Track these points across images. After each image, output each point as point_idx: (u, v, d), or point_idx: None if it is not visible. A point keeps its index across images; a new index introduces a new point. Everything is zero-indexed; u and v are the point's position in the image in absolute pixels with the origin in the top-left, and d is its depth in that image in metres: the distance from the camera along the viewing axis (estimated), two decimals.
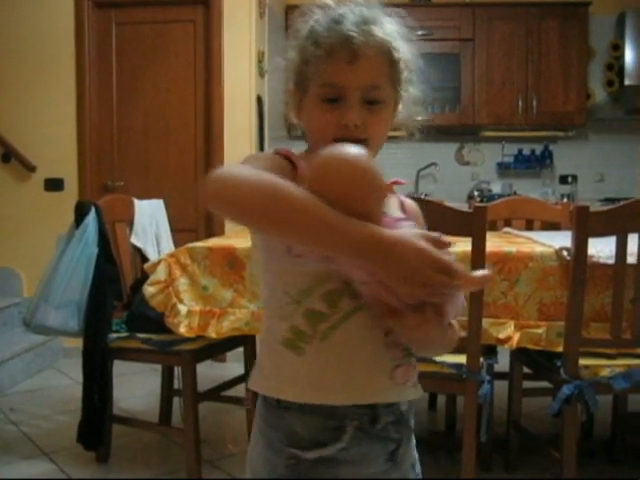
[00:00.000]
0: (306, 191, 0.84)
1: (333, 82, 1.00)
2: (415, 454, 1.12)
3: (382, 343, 0.98)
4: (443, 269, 0.83)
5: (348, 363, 0.97)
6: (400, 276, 0.83)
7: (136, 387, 3.57)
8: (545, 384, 2.34)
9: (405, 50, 1.04)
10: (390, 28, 1.02)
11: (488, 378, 2.15)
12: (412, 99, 1.10)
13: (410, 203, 1.15)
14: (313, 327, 0.96)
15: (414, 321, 0.88)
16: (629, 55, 5.32)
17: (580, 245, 1.98)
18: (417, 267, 0.82)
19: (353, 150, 0.87)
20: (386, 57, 1.01)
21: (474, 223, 2.01)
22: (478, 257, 2.02)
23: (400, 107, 1.09)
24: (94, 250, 2.61)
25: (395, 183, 1.09)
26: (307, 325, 0.97)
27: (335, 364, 0.97)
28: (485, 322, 2.10)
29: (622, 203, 2.02)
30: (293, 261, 0.94)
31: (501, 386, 2.62)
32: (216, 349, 2.67)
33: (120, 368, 2.83)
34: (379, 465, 1.02)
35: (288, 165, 1.01)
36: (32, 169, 4.38)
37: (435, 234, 0.88)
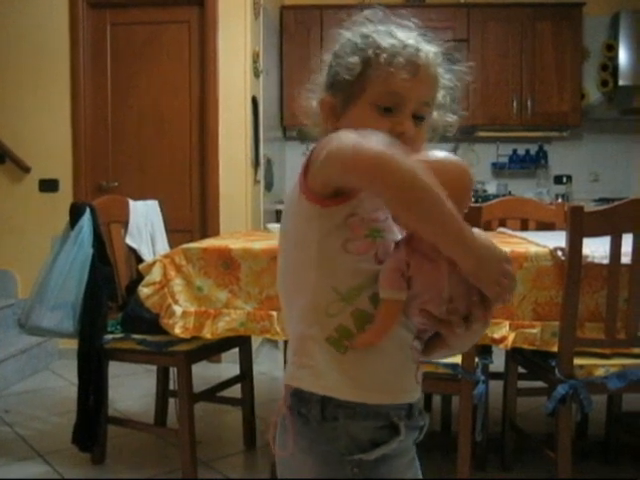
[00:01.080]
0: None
1: (395, 91, 1.03)
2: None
3: (410, 346, 1.02)
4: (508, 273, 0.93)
5: (384, 364, 0.99)
6: (487, 278, 0.92)
7: (131, 388, 3.57)
8: (540, 384, 2.34)
9: (445, 77, 1.11)
10: (433, 48, 1.09)
11: (483, 378, 2.15)
12: (438, 122, 1.15)
13: None
14: (360, 327, 0.97)
15: (462, 329, 0.95)
16: (623, 55, 5.35)
17: (575, 245, 1.99)
18: (499, 270, 0.92)
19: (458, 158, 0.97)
20: (435, 75, 1.08)
21: (469, 223, 2.01)
22: None
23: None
24: (89, 251, 2.60)
25: None
26: (354, 324, 0.97)
27: (373, 364, 0.98)
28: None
29: (616, 203, 2.02)
30: (348, 258, 0.97)
31: (496, 386, 2.62)
32: (211, 350, 2.67)
33: (115, 369, 2.82)
34: (410, 453, 1.09)
35: None
36: (26, 170, 4.37)
37: None
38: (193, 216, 4.39)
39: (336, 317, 0.98)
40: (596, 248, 2.06)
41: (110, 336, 2.59)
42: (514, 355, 2.42)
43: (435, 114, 1.12)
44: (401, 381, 1.02)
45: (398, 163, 0.87)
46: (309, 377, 0.99)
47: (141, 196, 3.19)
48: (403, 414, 1.02)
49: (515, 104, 5.30)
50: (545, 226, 3.11)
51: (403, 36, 1.08)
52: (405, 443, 1.03)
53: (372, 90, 1.04)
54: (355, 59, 1.05)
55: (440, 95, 1.11)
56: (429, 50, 1.08)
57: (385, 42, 1.06)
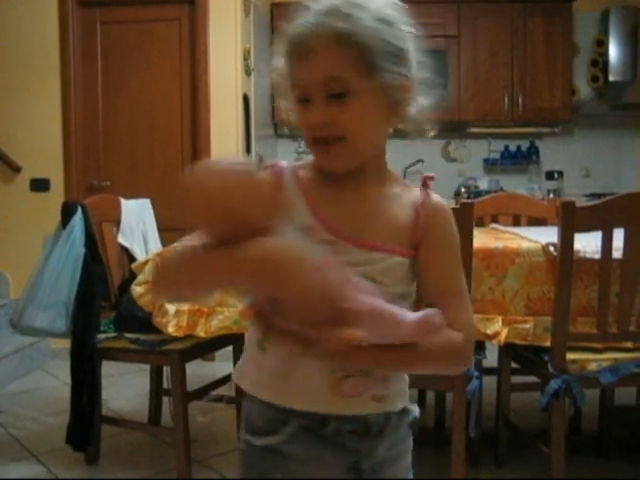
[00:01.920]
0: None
1: (296, 81, 0.98)
2: (408, 474, 1.14)
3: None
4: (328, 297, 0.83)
5: (289, 368, 0.99)
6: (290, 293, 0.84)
7: (125, 387, 3.56)
8: (533, 379, 2.35)
9: (383, 34, 0.95)
10: (360, 14, 0.94)
11: (477, 374, 2.16)
12: (413, 84, 0.99)
13: (425, 208, 1.04)
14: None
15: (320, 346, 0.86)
16: (613, 51, 5.37)
17: (566, 240, 1.99)
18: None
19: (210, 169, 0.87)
20: (348, 45, 0.92)
21: (461, 220, 2.01)
22: (465, 253, 2.02)
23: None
24: (81, 250, 2.59)
25: (428, 179, 1.07)
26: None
27: (279, 367, 1.00)
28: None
29: (608, 198, 2.03)
30: None
31: (490, 381, 2.63)
32: (205, 348, 2.67)
33: (109, 368, 2.82)
34: (338, 473, 1.03)
35: (272, 177, 1.03)
36: (17, 170, 4.35)
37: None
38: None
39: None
40: (587, 243, 2.07)
41: (103, 335, 2.58)
42: (507, 350, 2.43)
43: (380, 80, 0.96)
44: (301, 388, 0.99)
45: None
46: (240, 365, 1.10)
47: (133, 195, 3.18)
48: (314, 421, 1.00)
49: (506, 100, 5.32)
50: (537, 222, 3.12)
51: (309, 14, 0.96)
52: (307, 451, 1.01)
53: (292, 86, 1.00)
54: (279, 60, 1.01)
55: (380, 55, 0.95)
56: (319, 19, 0.94)
57: (288, 31, 0.98)
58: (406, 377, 1.10)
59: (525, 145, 5.65)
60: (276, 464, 1.01)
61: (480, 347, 2.32)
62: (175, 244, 0.93)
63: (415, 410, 1.13)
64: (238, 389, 1.08)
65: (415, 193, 1.05)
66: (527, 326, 2.12)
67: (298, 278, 0.81)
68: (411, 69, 0.99)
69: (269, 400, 1.02)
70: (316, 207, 1.00)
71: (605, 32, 5.44)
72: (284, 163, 1.07)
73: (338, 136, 0.96)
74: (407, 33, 1.00)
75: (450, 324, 0.93)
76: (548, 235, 2.19)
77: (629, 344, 2.12)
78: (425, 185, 1.06)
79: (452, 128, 5.60)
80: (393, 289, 0.98)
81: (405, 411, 1.10)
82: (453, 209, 2.03)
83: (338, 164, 1.00)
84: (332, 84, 0.94)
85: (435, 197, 1.06)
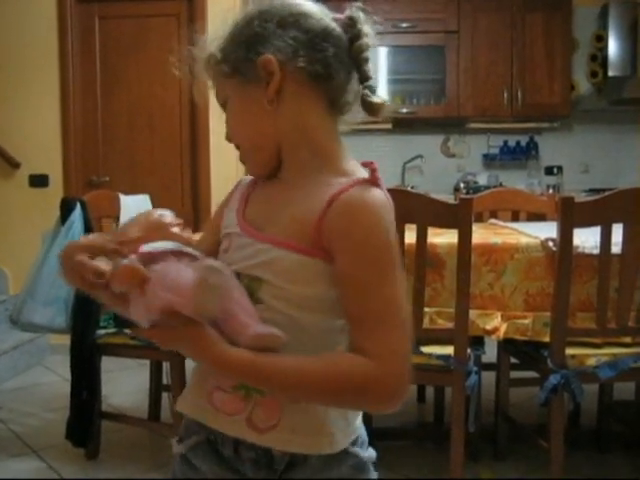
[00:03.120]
0: None
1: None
2: None
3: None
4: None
5: (195, 375, 1.01)
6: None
7: (124, 383, 3.56)
8: (532, 374, 2.35)
9: (218, 38, 1.00)
10: (214, 31, 1.01)
11: (476, 369, 2.16)
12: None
13: (333, 213, 0.88)
14: None
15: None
16: (612, 46, 5.35)
17: (565, 236, 1.99)
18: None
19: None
20: (207, 62, 1.02)
21: (460, 215, 2.02)
22: (464, 249, 2.03)
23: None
24: None
25: (364, 165, 0.96)
26: None
27: (192, 374, 1.02)
28: (472, 313, 2.11)
29: (607, 194, 2.03)
30: None
31: (489, 377, 2.63)
32: None
33: (108, 364, 2.82)
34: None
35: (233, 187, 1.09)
36: (16, 165, 4.34)
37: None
38: (184, 211, 4.37)
39: None
40: (586, 238, 2.07)
41: (103, 331, 2.58)
42: (506, 346, 2.43)
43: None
44: (191, 393, 0.99)
45: None
46: None
47: (132, 191, 3.18)
48: (213, 437, 0.97)
49: (506, 95, 5.31)
50: (536, 217, 3.12)
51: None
52: (206, 465, 0.98)
53: None
54: None
55: (214, 59, 1.00)
56: (211, 41, 1.02)
57: None
58: (330, 419, 0.93)
59: (524, 140, 5.65)
60: (185, 472, 1.02)
61: (479, 342, 2.33)
62: None
63: (371, 455, 1.00)
64: None
65: (324, 193, 0.89)
66: (526, 321, 2.12)
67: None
68: (266, 46, 0.92)
69: (179, 409, 1.01)
70: (244, 211, 1.00)
71: (604, 27, 5.42)
72: (248, 177, 1.07)
73: (236, 145, 1.02)
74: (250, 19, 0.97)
75: (358, 352, 0.84)
76: (547, 230, 2.19)
77: (628, 339, 2.12)
78: (372, 178, 0.91)
79: (451, 124, 5.59)
80: (293, 289, 0.88)
81: (346, 454, 0.96)
82: (452, 205, 2.05)
83: (252, 170, 1.03)
84: (219, 98, 1.03)
85: (353, 190, 0.88)
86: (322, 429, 0.93)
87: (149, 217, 0.98)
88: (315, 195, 0.90)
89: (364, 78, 0.96)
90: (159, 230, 0.96)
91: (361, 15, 0.97)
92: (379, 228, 0.87)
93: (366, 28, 0.98)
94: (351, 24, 0.97)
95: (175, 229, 0.98)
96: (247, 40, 0.94)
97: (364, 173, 0.92)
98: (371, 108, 0.95)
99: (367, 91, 0.95)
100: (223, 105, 1.01)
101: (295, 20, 0.93)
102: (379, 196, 0.89)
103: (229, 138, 1.02)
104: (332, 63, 0.94)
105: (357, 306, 0.86)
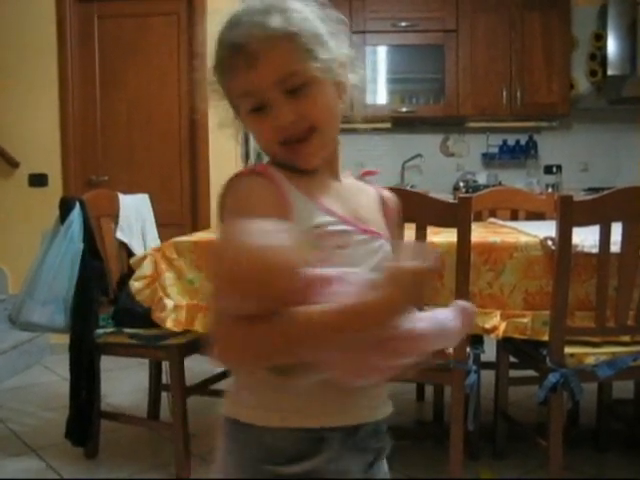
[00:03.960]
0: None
1: (246, 92, 0.95)
2: (386, 466, 1.06)
3: None
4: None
5: (329, 386, 0.89)
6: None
7: (124, 382, 3.56)
8: (531, 373, 2.35)
9: (302, 20, 0.95)
10: (281, 6, 0.95)
11: (475, 368, 2.16)
12: (333, 59, 0.98)
13: (389, 196, 1.12)
14: None
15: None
16: (611, 45, 5.35)
17: (564, 235, 1.99)
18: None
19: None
20: (289, 40, 0.93)
21: (459, 214, 2.02)
22: (463, 248, 2.04)
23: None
24: (79, 245, 2.59)
25: (367, 174, 1.08)
26: None
27: (318, 387, 0.89)
28: None
29: (606, 192, 2.03)
30: None
31: (488, 375, 2.63)
32: (204, 343, 2.67)
33: (107, 363, 2.82)
34: (362, 474, 0.98)
35: (269, 184, 0.95)
36: (15, 165, 4.34)
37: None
38: (183, 210, 4.38)
39: None
40: (585, 237, 2.07)
41: (102, 330, 2.58)
42: (505, 344, 2.43)
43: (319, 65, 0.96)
44: (343, 403, 0.94)
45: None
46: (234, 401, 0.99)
47: (131, 190, 3.18)
48: (345, 432, 0.94)
49: (505, 94, 5.31)
50: (535, 216, 3.12)
51: (231, 20, 0.96)
52: (342, 465, 0.94)
53: (236, 101, 0.98)
54: (210, 84, 1.00)
55: (311, 40, 0.95)
56: (267, 20, 0.92)
57: (217, 45, 0.97)
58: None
59: (523, 139, 5.65)
60: None
61: (478, 341, 2.33)
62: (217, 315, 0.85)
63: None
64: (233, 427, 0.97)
65: (365, 185, 1.10)
66: (525, 320, 2.12)
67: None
68: (338, 47, 0.99)
69: (303, 426, 0.92)
70: (319, 201, 0.96)
71: (603, 26, 5.42)
72: (264, 163, 1.02)
73: (307, 129, 0.95)
74: (315, 14, 0.98)
75: None
76: (546, 229, 2.19)
77: (627, 338, 2.12)
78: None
79: (450, 123, 5.59)
80: None
81: None
82: (451, 204, 2.05)
83: (312, 158, 0.98)
84: (288, 81, 0.93)
85: (386, 193, 1.12)
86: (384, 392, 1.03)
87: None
88: (363, 189, 1.08)
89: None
90: None
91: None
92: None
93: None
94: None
95: None
96: (322, 33, 0.97)
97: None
98: None
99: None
100: (289, 88, 0.94)
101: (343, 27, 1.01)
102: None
103: (299, 124, 0.94)
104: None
105: None
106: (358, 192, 1.06)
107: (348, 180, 1.06)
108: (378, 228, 1.02)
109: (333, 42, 0.98)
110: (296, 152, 0.96)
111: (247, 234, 0.77)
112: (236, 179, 0.97)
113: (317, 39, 0.95)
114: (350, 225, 0.96)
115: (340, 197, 1.00)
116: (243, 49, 0.92)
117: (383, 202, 1.10)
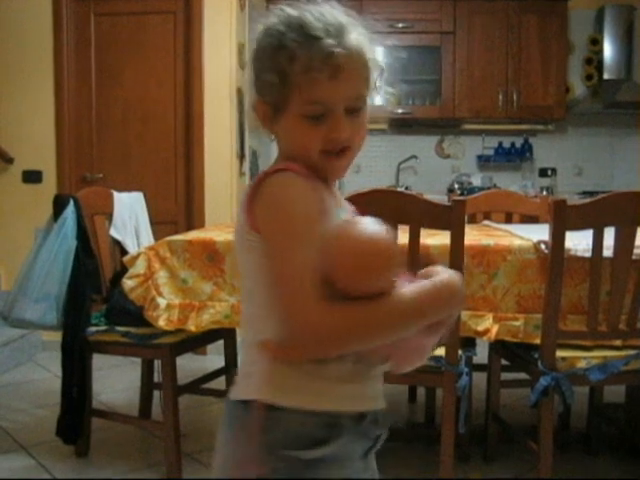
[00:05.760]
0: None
1: (319, 100, 0.97)
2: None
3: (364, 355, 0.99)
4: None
5: (350, 371, 0.98)
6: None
7: (115, 380, 3.56)
8: (523, 376, 2.36)
9: (373, 48, 1.03)
10: (359, 30, 1.01)
11: (467, 370, 2.17)
12: (382, 91, 1.09)
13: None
14: None
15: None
16: (608, 49, 5.37)
17: (557, 238, 2.00)
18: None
19: (372, 230, 0.90)
20: (362, 63, 1.00)
21: (453, 216, 2.03)
22: (457, 250, 2.04)
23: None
24: (73, 243, 2.59)
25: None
26: None
27: (346, 374, 0.98)
28: (464, 315, 2.11)
29: (599, 197, 2.03)
30: None
31: (480, 378, 2.64)
32: (196, 342, 2.67)
33: (99, 361, 2.82)
34: (355, 463, 1.02)
35: (306, 181, 0.99)
36: (9, 161, 4.33)
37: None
38: (178, 208, 4.37)
39: None
40: (579, 241, 2.08)
41: (94, 328, 2.58)
42: (497, 347, 2.44)
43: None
44: (361, 388, 1.01)
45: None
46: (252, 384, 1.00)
47: (126, 188, 3.17)
48: (354, 416, 0.99)
49: (501, 97, 5.32)
50: (529, 219, 3.13)
51: (319, 27, 0.96)
52: (348, 449, 1.00)
53: (296, 102, 0.98)
54: (271, 76, 0.99)
55: (373, 69, 1.03)
56: (351, 38, 0.98)
57: (297, 44, 0.96)
58: None
59: (519, 142, 5.66)
60: (327, 472, 0.97)
61: (470, 344, 2.33)
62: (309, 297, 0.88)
63: None
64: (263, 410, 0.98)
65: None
66: (517, 323, 2.13)
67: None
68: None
69: (333, 409, 0.97)
70: (337, 201, 1.08)
71: (600, 30, 5.44)
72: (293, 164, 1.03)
73: (346, 146, 1.02)
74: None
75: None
76: (540, 233, 2.19)
77: (618, 342, 2.13)
78: None
79: (446, 124, 5.60)
80: None
81: None
82: (445, 206, 2.05)
83: (342, 172, 1.06)
84: (356, 102, 1.00)
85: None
86: None
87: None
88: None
89: None
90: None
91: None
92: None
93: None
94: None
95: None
96: (375, 65, 1.04)
97: None
98: None
99: None
100: (354, 107, 1.01)
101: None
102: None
103: (345, 141, 1.01)
104: None
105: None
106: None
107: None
108: None
109: (381, 76, 1.06)
110: (332, 163, 1.02)
111: (353, 224, 0.91)
112: (275, 175, 0.99)
113: (375, 70, 1.03)
114: None
115: (342, 201, 1.12)
116: (332, 60, 0.95)
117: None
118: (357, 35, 0.99)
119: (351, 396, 0.99)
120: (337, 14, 1.00)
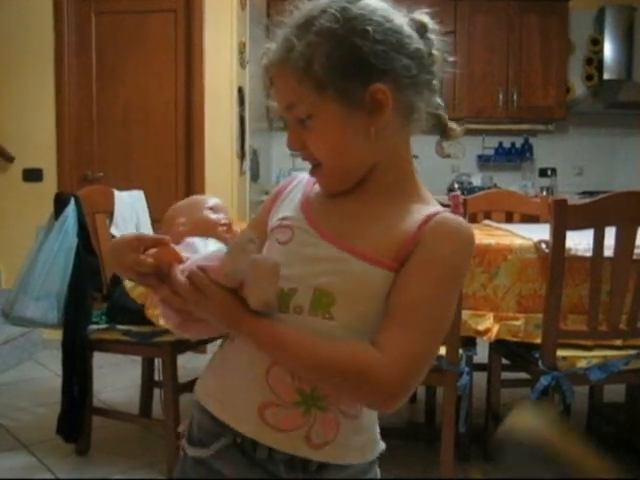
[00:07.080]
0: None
1: (270, 108, 0.96)
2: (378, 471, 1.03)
3: (262, 372, 0.92)
4: None
5: (226, 377, 0.98)
6: None
7: (116, 379, 3.56)
8: (523, 375, 2.36)
9: (323, 48, 0.87)
10: (299, 34, 0.88)
11: (467, 369, 2.17)
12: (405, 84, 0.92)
13: (437, 218, 0.94)
14: None
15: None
16: (608, 50, 5.38)
17: (558, 238, 2.00)
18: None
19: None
20: (293, 70, 0.88)
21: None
22: None
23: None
24: (74, 241, 2.59)
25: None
26: None
27: (220, 371, 0.99)
28: (464, 314, 2.12)
29: (600, 197, 2.04)
30: None
31: (480, 377, 2.64)
32: (197, 340, 2.67)
33: (100, 360, 2.82)
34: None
35: (286, 182, 1.06)
36: (10, 159, 4.33)
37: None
38: None
39: None
40: (579, 241, 2.08)
41: (95, 327, 2.58)
42: (498, 347, 2.44)
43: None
44: (233, 401, 0.95)
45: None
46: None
47: (126, 186, 3.18)
48: (247, 440, 0.94)
49: (501, 97, 5.32)
50: (529, 219, 3.13)
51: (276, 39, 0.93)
52: (235, 470, 0.95)
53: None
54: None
55: (313, 71, 0.87)
56: (272, 45, 0.91)
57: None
58: (372, 427, 0.99)
59: (519, 142, 5.66)
60: (202, 477, 0.98)
61: (471, 343, 2.34)
62: None
63: (381, 446, 1.02)
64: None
65: (430, 210, 0.94)
66: (518, 323, 2.13)
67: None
68: (382, 71, 0.88)
69: (210, 410, 0.98)
70: (309, 206, 0.97)
71: (600, 30, 5.44)
72: (303, 174, 1.03)
73: (316, 162, 0.94)
74: (373, 33, 0.88)
75: (374, 343, 0.86)
76: (540, 232, 2.19)
77: (619, 342, 2.13)
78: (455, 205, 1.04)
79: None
80: (372, 304, 0.90)
81: (371, 463, 1.00)
82: (445, 205, 2.05)
83: (326, 186, 0.97)
84: (292, 111, 0.91)
85: (447, 214, 0.94)
86: (370, 438, 0.99)
87: (198, 211, 1.11)
88: (409, 214, 0.92)
89: (437, 96, 1.01)
90: (204, 228, 1.07)
91: (429, 21, 1.04)
92: (464, 252, 0.92)
93: (434, 36, 1.03)
94: (423, 33, 1.01)
95: (220, 229, 1.08)
96: (359, 64, 0.87)
97: (428, 198, 1.00)
98: (447, 134, 1.08)
99: (442, 112, 1.04)
100: (296, 117, 0.91)
101: (400, 43, 0.92)
102: (470, 227, 0.95)
103: (308, 154, 0.94)
104: (424, 90, 0.97)
105: (405, 304, 0.87)
106: (391, 216, 0.93)
107: (398, 204, 0.95)
108: (372, 250, 0.90)
109: (357, 72, 0.92)
110: (313, 175, 0.98)
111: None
112: None
113: (326, 71, 0.94)
114: (314, 228, 0.94)
115: (346, 215, 0.95)
116: (266, 68, 0.94)
117: (418, 227, 0.92)
118: (288, 40, 0.89)
119: (223, 402, 0.99)
120: (309, 11, 0.91)
